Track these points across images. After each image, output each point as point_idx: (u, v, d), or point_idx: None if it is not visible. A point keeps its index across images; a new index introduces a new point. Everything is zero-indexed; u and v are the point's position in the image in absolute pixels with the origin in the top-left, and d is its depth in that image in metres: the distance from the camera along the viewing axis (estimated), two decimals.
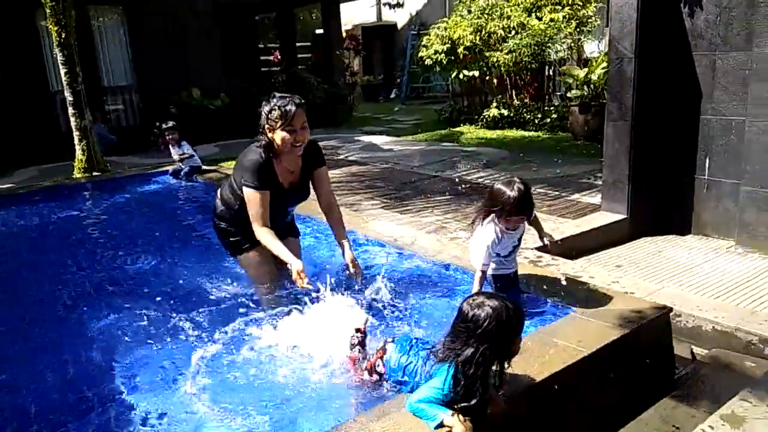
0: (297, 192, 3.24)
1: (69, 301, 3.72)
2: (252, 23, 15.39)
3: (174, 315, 3.15)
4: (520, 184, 2.73)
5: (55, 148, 9.75)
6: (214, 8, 12.73)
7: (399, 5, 17.28)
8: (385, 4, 18.31)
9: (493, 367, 1.99)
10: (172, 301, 3.38)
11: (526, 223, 2.96)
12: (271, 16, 16.45)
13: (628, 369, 2.61)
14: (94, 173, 8.09)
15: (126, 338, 3.09)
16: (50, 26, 7.67)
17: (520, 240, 3.00)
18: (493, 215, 2.80)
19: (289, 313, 2.90)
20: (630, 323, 2.61)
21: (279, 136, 2.94)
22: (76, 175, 8.13)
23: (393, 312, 3.07)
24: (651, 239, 4.81)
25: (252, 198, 2.99)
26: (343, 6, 15.86)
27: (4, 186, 7.80)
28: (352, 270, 3.06)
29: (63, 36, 7.61)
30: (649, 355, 2.72)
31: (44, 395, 2.66)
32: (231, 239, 3.29)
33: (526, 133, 10.90)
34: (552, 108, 11.40)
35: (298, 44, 16.69)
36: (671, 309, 2.81)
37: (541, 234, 3.11)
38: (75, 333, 3.27)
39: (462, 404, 1.94)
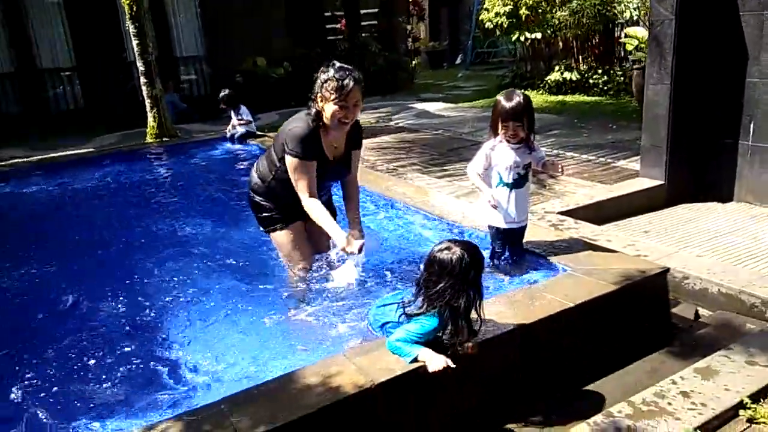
0: (340, 167, 3.10)
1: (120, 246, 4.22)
2: None
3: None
4: (515, 94, 2.91)
5: (134, 116, 10.51)
6: None
7: None
8: None
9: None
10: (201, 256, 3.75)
11: (534, 158, 3.04)
12: None
13: (618, 324, 2.72)
14: (164, 139, 8.72)
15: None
16: (123, 0, 8.23)
17: (527, 171, 3.04)
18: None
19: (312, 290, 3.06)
20: (622, 281, 2.71)
21: (330, 108, 2.81)
22: (148, 140, 8.78)
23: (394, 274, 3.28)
24: (689, 206, 4.72)
25: (298, 167, 2.85)
26: None
27: (82, 150, 8.57)
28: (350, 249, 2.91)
29: (134, 9, 8.16)
30: (642, 312, 2.81)
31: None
32: (264, 214, 3.16)
33: (589, 98, 10.61)
34: (619, 72, 10.98)
35: (365, 11, 16.79)
36: (668, 270, 2.87)
37: (550, 169, 3.10)
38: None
39: (449, 340, 2.17)
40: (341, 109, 2.81)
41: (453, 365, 2.09)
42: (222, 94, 7.69)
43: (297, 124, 2.90)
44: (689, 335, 2.88)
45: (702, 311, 3.12)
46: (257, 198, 3.17)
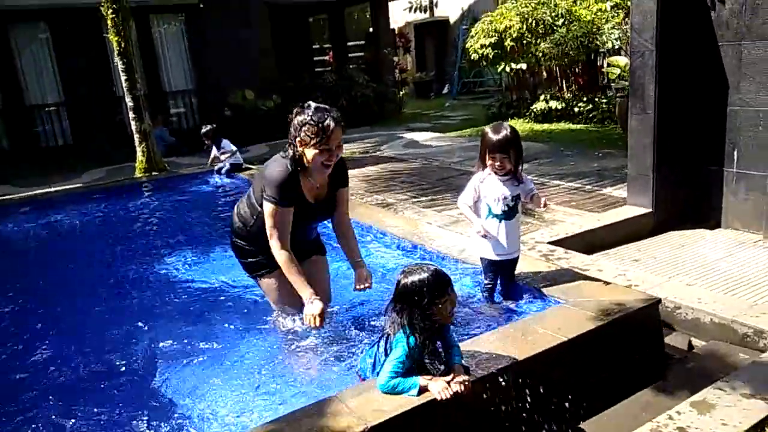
0: (324, 208, 3.01)
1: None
2: (305, 24, 15.88)
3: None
4: (503, 127, 2.96)
5: (122, 150, 10.50)
6: (269, 11, 13.23)
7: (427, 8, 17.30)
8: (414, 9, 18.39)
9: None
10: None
11: (522, 191, 3.06)
12: (325, 18, 16.88)
13: (611, 357, 2.70)
14: (153, 173, 8.70)
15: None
16: (111, 37, 8.31)
17: (515, 203, 3.05)
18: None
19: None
20: (615, 313, 2.70)
21: (311, 153, 2.70)
22: (137, 174, 8.76)
23: None
24: (677, 233, 4.75)
25: (272, 214, 2.74)
26: (394, 4, 16.07)
27: (71, 186, 8.52)
28: (361, 286, 2.95)
29: (122, 45, 8.22)
30: (635, 344, 2.80)
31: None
32: (249, 260, 3.04)
33: (574, 126, 10.75)
34: (603, 99, 11.18)
35: (352, 43, 17.06)
36: (660, 300, 2.86)
37: (537, 203, 3.11)
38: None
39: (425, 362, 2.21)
40: (323, 153, 2.70)
41: (454, 387, 2.11)
42: (205, 129, 7.86)
43: (275, 167, 2.78)
44: (683, 366, 2.86)
45: (695, 341, 3.11)
46: (240, 242, 3.05)
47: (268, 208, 2.76)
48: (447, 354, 2.27)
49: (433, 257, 3.89)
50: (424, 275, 2.16)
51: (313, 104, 2.76)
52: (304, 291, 2.78)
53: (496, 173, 3.01)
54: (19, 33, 11.32)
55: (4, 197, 7.87)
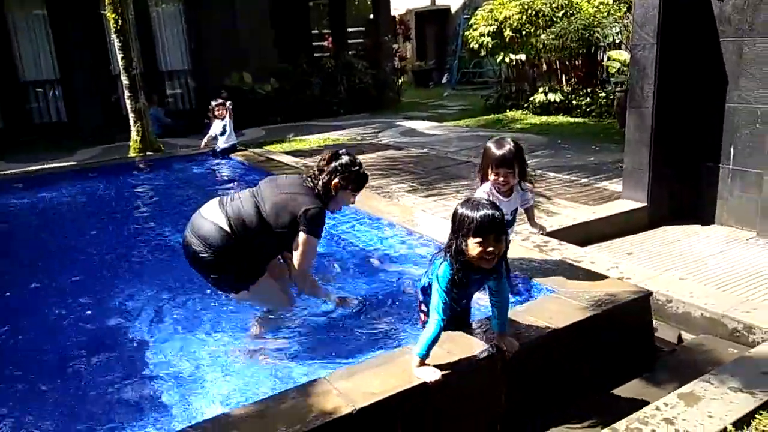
0: None
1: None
2: (304, 9, 15.72)
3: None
4: (506, 142, 2.88)
5: (117, 129, 10.43)
6: None
7: None
8: None
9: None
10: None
11: (519, 201, 3.05)
12: (325, 3, 16.73)
13: (600, 348, 2.71)
14: (148, 153, 8.64)
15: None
16: (108, 14, 8.20)
17: (513, 217, 3.06)
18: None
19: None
20: (606, 304, 2.70)
21: (346, 196, 3.01)
22: (131, 154, 8.70)
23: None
24: (671, 228, 4.76)
25: (312, 247, 2.90)
26: None
27: (67, 164, 8.46)
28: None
29: (119, 23, 8.12)
30: (625, 336, 2.80)
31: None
32: (236, 271, 2.88)
33: (572, 119, 10.74)
34: (602, 94, 11.15)
35: (352, 30, 16.92)
36: (651, 293, 2.87)
37: (532, 222, 3.21)
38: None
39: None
40: (353, 197, 3.08)
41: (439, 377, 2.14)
42: (217, 102, 7.59)
43: (313, 203, 2.88)
44: (672, 359, 2.87)
45: (685, 335, 3.12)
46: (221, 260, 2.80)
47: (309, 241, 2.86)
48: (494, 313, 2.37)
49: (430, 246, 3.88)
50: (471, 209, 2.19)
51: (346, 155, 3.03)
52: (332, 296, 3.23)
53: (498, 189, 2.94)
54: (15, 7, 11.17)
55: None
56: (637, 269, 3.58)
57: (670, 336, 3.12)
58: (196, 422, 2.07)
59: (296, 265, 2.89)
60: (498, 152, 2.86)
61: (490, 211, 2.17)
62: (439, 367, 2.19)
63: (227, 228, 2.79)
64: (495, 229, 2.16)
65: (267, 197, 2.89)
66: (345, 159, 2.98)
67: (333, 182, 2.93)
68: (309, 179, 2.97)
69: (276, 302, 3.14)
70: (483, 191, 2.95)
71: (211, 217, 2.83)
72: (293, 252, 2.88)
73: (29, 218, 5.80)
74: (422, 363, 2.18)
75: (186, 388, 2.58)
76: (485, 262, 2.19)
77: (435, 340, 2.18)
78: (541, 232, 3.28)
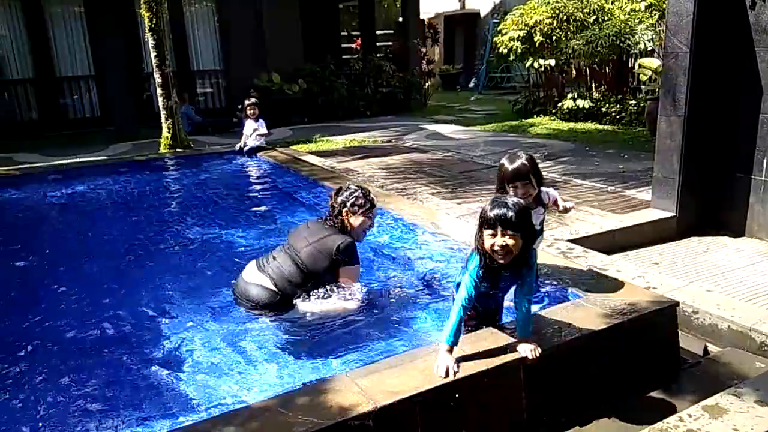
0: None
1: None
2: (335, 11, 15.84)
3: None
4: (518, 156, 2.87)
5: (149, 126, 10.64)
6: None
7: None
8: None
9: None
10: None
11: (543, 209, 3.03)
12: (355, 5, 16.83)
13: (625, 356, 2.68)
14: (177, 150, 8.80)
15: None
16: (143, 12, 8.38)
17: (541, 227, 3.04)
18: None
19: None
20: (630, 313, 2.67)
21: (360, 220, 3.25)
22: (162, 150, 8.86)
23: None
24: (700, 239, 4.68)
25: (356, 273, 3.23)
26: None
27: (99, 158, 8.66)
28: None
29: (154, 22, 8.29)
30: (650, 345, 2.76)
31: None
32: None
33: (601, 126, 10.62)
34: (632, 101, 11.01)
35: (381, 32, 16.99)
36: (677, 304, 2.83)
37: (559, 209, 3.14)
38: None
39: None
40: (370, 218, 3.31)
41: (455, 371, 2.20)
42: (250, 101, 7.74)
43: (341, 238, 3.17)
44: (697, 371, 2.82)
45: (711, 347, 3.07)
46: (276, 309, 3.15)
47: (348, 270, 3.17)
48: (518, 316, 2.41)
49: (454, 248, 3.88)
50: (490, 203, 2.30)
51: (351, 185, 3.33)
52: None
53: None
54: (53, 4, 11.48)
55: (31, 165, 8.01)
56: (663, 279, 3.53)
57: (695, 348, 3.06)
58: (216, 415, 2.10)
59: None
60: (511, 167, 2.83)
61: (504, 208, 2.26)
62: (462, 366, 2.21)
63: (273, 287, 3.12)
64: (503, 223, 2.24)
65: (300, 249, 3.18)
66: (347, 192, 3.27)
67: (345, 212, 3.22)
68: (329, 220, 3.27)
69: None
70: None
71: (255, 281, 3.17)
72: (341, 282, 3.17)
73: (60, 211, 5.95)
74: (451, 350, 2.25)
75: (208, 381, 2.62)
76: (497, 256, 2.28)
77: (459, 327, 2.27)
78: (570, 208, 3.16)
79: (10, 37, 11.25)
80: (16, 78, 11.38)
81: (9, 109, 11.38)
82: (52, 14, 11.48)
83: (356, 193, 3.27)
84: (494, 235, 2.25)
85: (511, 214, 2.24)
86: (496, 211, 2.25)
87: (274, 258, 3.23)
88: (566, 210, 3.04)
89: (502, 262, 2.29)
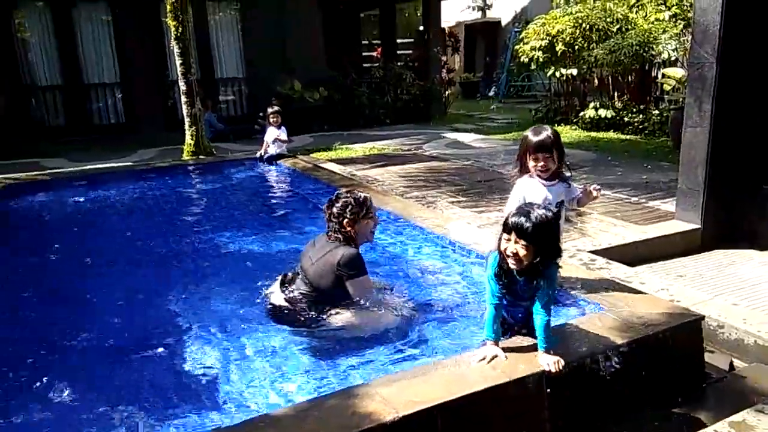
0: None
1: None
2: (356, 20, 15.97)
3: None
4: (543, 128, 2.92)
5: (172, 132, 10.79)
6: (319, 6, 13.36)
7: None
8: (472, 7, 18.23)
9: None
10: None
11: (565, 194, 3.02)
12: (377, 14, 16.95)
13: (649, 370, 2.64)
14: (200, 156, 8.92)
15: None
16: (169, 21, 8.53)
17: (559, 208, 2.93)
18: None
19: None
20: (654, 326, 2.65)
21: (361, 225, 3.19)
22: (185, 157, 9.00)
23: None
24: (725, 252, 4.61)
25: (364, 284, 3.14)
26: (446, 3, 15.99)
27: (123, 164, 8.81)
28: None
29: (179, 30, 8.44)
30: (675, 359, 2.73)
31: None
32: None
33: (623, 136, 10.52)
34: (655, 111, 10.90)
35: (401, 41, 17.07)
36: (702, 317, 2.79)
37: (584, 200, 3.14)
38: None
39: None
40: (372, 220, 3.26)
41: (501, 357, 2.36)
42: (273, 109, 7.85)
43: (343, 251, 3.10)
44: (723, 386, 2.78)
45: (737, 362, 3.02)
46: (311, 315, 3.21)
47: (354, 283, 3.09)
48: (537, 329, 2.43)
49: (471, 256, 3.88)
50: (517, 209, 2.40)
51: (341, 192, 3.26)
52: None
53: (539, 176, 2.96)
54: (82, 13, 11.73)
55: (58, 170, 8.19)
56: (688, 292, 3.49)
57: (721, 362, 3.02)
58: (237, 422, 2.11)
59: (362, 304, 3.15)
60: (536, 138, 2.90)
61: (524, 217, 2.32)
62: (485, 377, 2.22)
63: (292, 307, 3.19)
64: (518, 232, 2.32)
65: (307, 269, 3.19)
66: (339, 202, 3.19)
67: (345, 223, 3.15)
68: (332, 233, 3.20)
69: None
70: (524, 182, 2.97)
71: (278, 299, 3.24)
72: (353, 297, 3.13)
73: (87, 214, 6.07)
74: (495, 343, 2.43)
75: (229, 388, 2.65)
76: (509, 260, 2.37)
77: (494, 322, 2.44)
78: (597, 194, 3.12)
79: (40, 45, 11.52)
80: (45, 85, 11.64)
81: (38, 115, 11.64)
82: (81, 23, 11.73)
83: (349, 201, 3.17)
84: (509, 240, 2.35)
85: (528, 225, 2.30)
86: (516, 219, 2.34)
87: (292, 278, 3.31)
88: (592, 195, 3.05)
89: (512, 266, 2.38)
